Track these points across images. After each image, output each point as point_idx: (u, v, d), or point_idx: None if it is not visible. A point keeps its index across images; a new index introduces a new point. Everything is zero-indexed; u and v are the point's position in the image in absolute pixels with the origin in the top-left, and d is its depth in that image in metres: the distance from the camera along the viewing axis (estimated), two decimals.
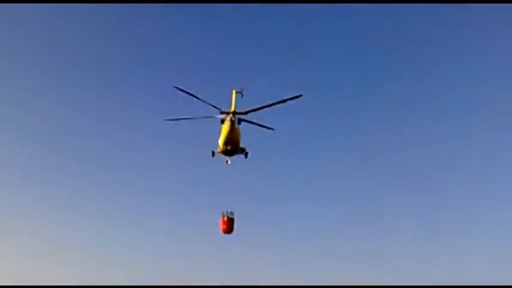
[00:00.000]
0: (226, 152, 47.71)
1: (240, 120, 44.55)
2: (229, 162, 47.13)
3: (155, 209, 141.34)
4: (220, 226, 49.06)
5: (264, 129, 47.91)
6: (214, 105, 42.53)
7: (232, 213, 49.49)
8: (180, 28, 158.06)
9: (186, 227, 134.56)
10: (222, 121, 45.45)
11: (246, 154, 47.62)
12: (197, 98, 41.31)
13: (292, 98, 42.26)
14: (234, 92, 44.42)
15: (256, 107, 43.23)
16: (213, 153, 47.87)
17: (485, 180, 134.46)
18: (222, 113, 43.19)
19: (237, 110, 42.89)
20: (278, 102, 42.62)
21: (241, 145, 46.69)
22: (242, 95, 44.86)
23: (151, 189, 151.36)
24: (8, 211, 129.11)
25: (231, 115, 42.54)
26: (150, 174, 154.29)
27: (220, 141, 44.91)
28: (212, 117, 45.30)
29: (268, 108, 42.89)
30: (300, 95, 41.70)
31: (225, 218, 49.73)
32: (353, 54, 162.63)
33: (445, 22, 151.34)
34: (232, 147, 45.22)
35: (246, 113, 43.94)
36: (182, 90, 41.24)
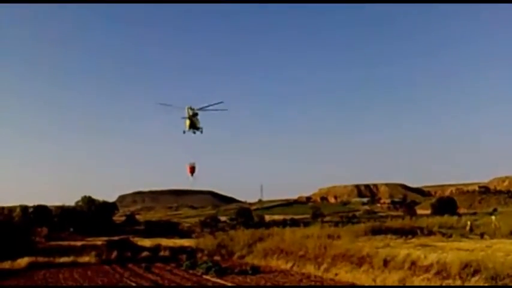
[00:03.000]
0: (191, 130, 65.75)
1: (196, 114, 63.65)
2: (194, 133, 64.41)
3: None
4: (187, 170, 65.47)
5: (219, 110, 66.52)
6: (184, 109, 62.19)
7: (194, 163, 66.02)
8: None
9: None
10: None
11: (202, 131, 64.69)
12: (172, 106, 60.31)
13: (216, 105, 63.19)
14: (187, 108, 62.61)
15: (203, 106, 63.51)
16: (184, 132, 64.66)
17: None
18: (183, 118, 62.05)
19: (192, 112, 62.11)
20: (212, 105, 63.48)
21: (200, 125, 64.85)
22: (193, 108, 63.13)
23: None
24: None
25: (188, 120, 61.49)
26: None
27: (186, 126, 62.19)
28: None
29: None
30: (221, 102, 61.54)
31: (190, 166, 66.27)
32: None
33: None
34: (193, 128, 62.49)
35: (196, 114, 63.18)
36: (164, 104, 60.54)
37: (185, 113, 66.03)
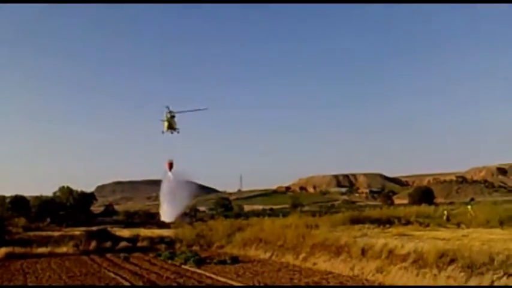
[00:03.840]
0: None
1: (173, 116, 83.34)
2: (171, 133, 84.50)
3: None
4: (167, 166, 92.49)
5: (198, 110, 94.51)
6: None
7: (172, 160, 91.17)
8: None
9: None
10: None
11: (178, 131, 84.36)
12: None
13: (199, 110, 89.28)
14: (165, 112, 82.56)
15: (179, 111, 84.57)
16: (163, 132, 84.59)
17: None
18: (162, 120, 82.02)
19: (169, 116, 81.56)
20: (191, 111, 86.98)
21: (177, 126, 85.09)
22: (171, 111, 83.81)
23: None
24: None
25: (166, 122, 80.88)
26: None
27: (164, 127, 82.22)
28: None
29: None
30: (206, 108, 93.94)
31: (168, 162, 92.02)
32: None
33: None
34: (171, 129, 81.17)
35: (173, 116, 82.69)
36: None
37: (163, 115, 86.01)
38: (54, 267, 34.62)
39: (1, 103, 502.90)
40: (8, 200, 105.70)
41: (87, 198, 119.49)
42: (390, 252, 27.30)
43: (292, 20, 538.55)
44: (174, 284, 25.95)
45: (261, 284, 23.78)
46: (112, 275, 29.81)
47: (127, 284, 26.04)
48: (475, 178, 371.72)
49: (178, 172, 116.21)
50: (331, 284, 25.02)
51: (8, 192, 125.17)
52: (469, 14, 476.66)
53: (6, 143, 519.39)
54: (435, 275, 23.12)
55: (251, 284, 23.77)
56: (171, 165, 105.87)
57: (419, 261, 24.89)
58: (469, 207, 66.61)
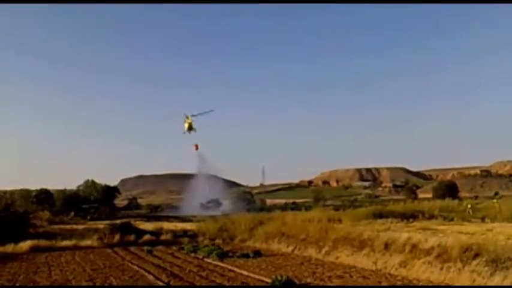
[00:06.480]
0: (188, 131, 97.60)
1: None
2: (190, 133, 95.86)
3: None
4: (194, 148, 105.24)
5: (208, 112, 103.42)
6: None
7: (197, 145, 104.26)
8: None
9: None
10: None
11: (195, 130, 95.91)
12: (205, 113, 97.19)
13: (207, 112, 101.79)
14: (185, 116, 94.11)
15: (196, 114, 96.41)
16: (184, 132, 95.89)
17: None
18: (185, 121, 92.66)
19: (190, 119, 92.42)
20: (201, 113, 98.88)
21: (194, 127, 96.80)
22: (188, 116, 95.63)
23: None
24: None
25: (186, 124, 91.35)
26: None
27: (185, 128, 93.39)
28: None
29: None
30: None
31: (195, 145, 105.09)
32: None
33: None
34: (190, 130, 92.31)
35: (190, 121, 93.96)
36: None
37: (183, 119, 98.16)
38: (78, 260, 34.96)
39: (26, 99, 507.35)
40: (33, 194, 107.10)
41: (110, 191, 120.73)
42: (414, 246, 27.09)
43: (305, 19, 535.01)
44: (203, 279, 25.98)
45: (284, 278, 23.63)
46: (135, 267, 29.99)
47: (150, 276, 26.15)
48: (500, 172, 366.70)
49: (208, 166, 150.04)
50: (354, 278, 24.89)
51: (33, 185, 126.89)
52: None
53: (31, 137, 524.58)
54: (459, 269, 22.90)
55: (274, 277, 23.64)
56: (197, 147, 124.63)
57: (443, 255, 24.67)
58: (495, 200, 65.97)
